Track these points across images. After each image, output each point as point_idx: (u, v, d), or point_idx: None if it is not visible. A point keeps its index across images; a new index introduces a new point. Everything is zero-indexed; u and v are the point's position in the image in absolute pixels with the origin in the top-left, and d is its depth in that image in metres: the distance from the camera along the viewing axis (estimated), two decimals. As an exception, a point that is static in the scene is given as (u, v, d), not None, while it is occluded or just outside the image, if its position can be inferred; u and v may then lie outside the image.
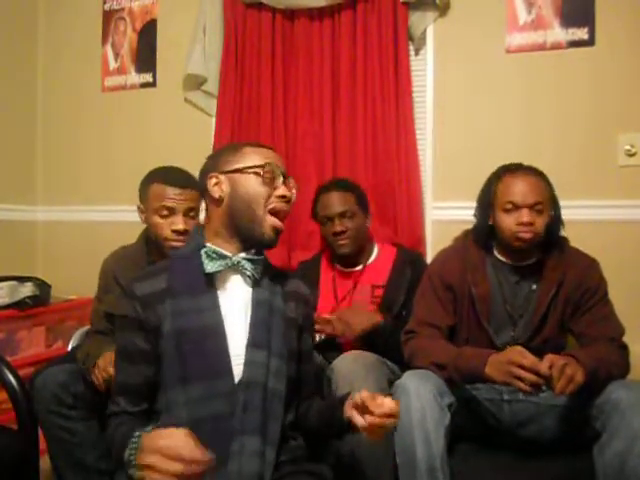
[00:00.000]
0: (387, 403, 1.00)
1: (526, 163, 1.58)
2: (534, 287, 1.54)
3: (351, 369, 1.45)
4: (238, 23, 2.41)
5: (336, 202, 1.87)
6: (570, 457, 1.38)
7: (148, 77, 2.64)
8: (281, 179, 1.18)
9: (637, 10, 1.99)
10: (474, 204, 1.65)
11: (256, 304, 1.15)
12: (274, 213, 1.16)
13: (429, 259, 1.98)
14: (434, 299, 1.59)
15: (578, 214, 1.88)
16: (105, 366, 1.43)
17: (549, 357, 1.26)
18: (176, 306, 1.11)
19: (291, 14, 2.34)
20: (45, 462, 1.55)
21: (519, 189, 1.49)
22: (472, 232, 1.65)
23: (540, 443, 1.44)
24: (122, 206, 2.50)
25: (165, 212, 1.57)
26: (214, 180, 1.18)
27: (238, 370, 1.10)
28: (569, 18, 2.06)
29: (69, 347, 1.89)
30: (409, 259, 1.90)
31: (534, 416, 1.45)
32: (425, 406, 1.30)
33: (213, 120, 2.48)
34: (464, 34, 2.19)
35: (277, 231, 1.16)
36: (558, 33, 2.08)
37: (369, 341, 1.69)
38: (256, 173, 1.15)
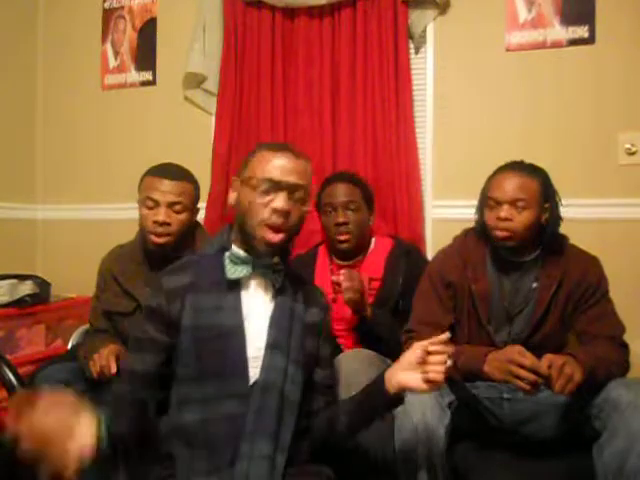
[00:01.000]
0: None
1: (526, 162, 1.58)
2: (534, 284, 1.54)
3: (351, 366, 1.45)
4: (238, 21, 2.41)
5: (342, 192, 1.86)
6: (570, 456, 1.38)
7: (148, 75, 2.64)
8: (279, 192, 1.13)
9: (637, 8, 1.99)
10: (474, 203, 1.65)
11: (278, 309, 1.16)
12: (267, 226, 1.13)
13: (429, 258, 1.98)
14: (434, 298, 1.60)
15: (578, 213, 1.88)
16: (107, 355, 1.43)
17: (548, 357, 1.26)
18: (196, 302, 1.13)
19: (291, 12, 2.34)
20: (45, 461, 1.55)
21: (502, 185, 1.50)
22: (474, 231, 1.65)
23: (540, 442, 1.44)
24: (122, 204, 2.50)
25: (150, 203, 1.57)
26: (233, 184, 1.21)
27: (254, 372, 1.10)
28: (569, 16, 2.06)
29: (69, 345, 1.90)
30: (404, 250, 1.90)
31: (534, 415, 1.45)
32: (425, 405, 1.30)
33: (213, 118, 2.48)
34: (464, 32, 2.19)
35: (270, 245, 1.13)
36: (558, 31, 2.08)
37: (362, 335, 1.71)
38: (253, 186, 1.14)
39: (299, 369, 1.14)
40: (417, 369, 1.06)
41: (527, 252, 1.56)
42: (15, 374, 1.52)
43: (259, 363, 1.11)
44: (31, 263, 2.75)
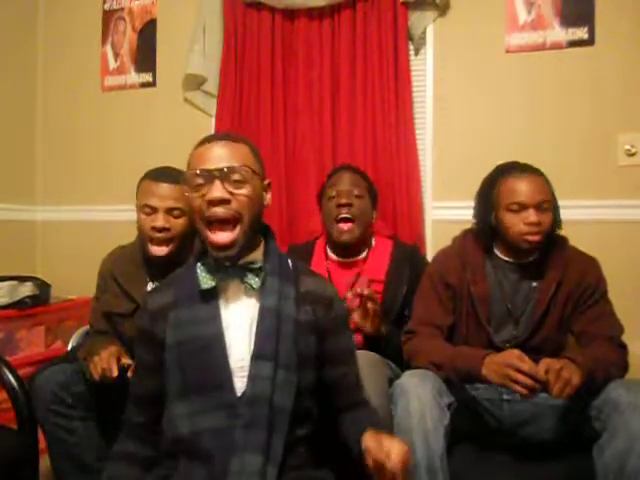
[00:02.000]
0: (394, 454, 0.93)
1: (526, 163, 1.57)
2: (534, 285, 1.54)
3: None
4: (238, 23, 2.41)
5: (348, 179, 1.84)
6: (570, 457, 1.38)
7: (148, 77, 2.64)
8: (211, 183, 1.05)
9: (637, 10, 1.99)
10: (474, 206, 1.65)
11: (262, 313, 1.09)
12: (210, 223, 1.06)
13: (429, 259, 1.97)
14: (434, 299, 1.59)
15: (578, 214, 1.88)
16: (107, 357, 1.42)
17: (545, 361, 1.25)
18: (177, 318, 1.10)
19: (291, 14, 2.34)
20: (45, 462, 1.55)
21: (525, 189, 1.48)
22: (472, 232, 1.65)
23: (540, 443, 1.44)
24: (121, 206, 2.49)
25: (148, 210, 1.55)
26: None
27: (242, 382, 1.06)
28: (569, 18, 2.06)
29: (69, 347, 1.89)
30: (407, 254, 1.87)
31: (534, 416, 1.45)
32: (425, 406, 1.30)
33: (213, 120, 2.48)
34: (464, 34, 2.19)
35: (220, 247, 1.06)
36: (558, 33, 2.08)
37: (370, 344, 1.69)
38: (189, 185, 1.08)
39: (291, 373, 1.07)
40: None
41: (528, 254, 1.55)
42: (15, 375, 1.52)
43: (246, 373, 1.06)
44: (31, 264, 2.75)
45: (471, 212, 1.65)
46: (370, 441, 0.99)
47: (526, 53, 2.13)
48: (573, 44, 2.07)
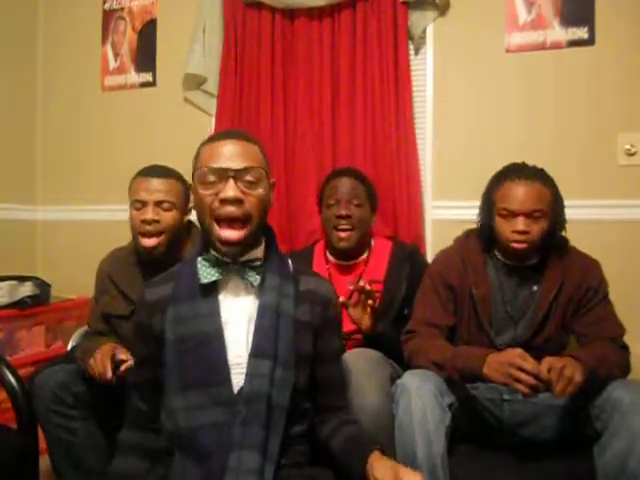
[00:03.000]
0: None
1: (537, 167, 1.55)
2: (535, 288, 1.54)
3: (356, 366, 1.43)
4: (238, 23, 2.41)
5: (347, 186, 1.82)
6: (570, 457, 1.38)
7: (148, 77, 2.64)
8: (225, 181, 1.05)
9: (637, 9, 1.99)
10: (474, 203, 1.64)
11: (261, 310, 1.09)
12: (221, 220, 1.07)
13: (429, 259, 1.97)
14: (434, 299, 1.59)
15: (578, 214, 1.87)
16: (101, 359, 1.42)
17: (547, 360, 1.25)
18: (176, 313, 1.10)
19: (291, 13, 2.34)
20: (45, 462, 1.55)
21: (516, 196, 1.47)
22: (475, 233, 1.65)
23: (540, 443, 1.44)
24: (122, 205, 2.46)
25: (138, 205, 1.57)
26: (191, 191, 1.16)
27: (239, 379, 1.06)
28: (569, 17, 2.06)
29: (69, 347, 1.89)
30: (406, 253, 1.86)
31: (534, 416, 1.45)
32: (426, 405, 1.30)
33: (213, 120, 2.48)
34: (464, 33, 2.19)
35: (227, 243, 1.06)
36: (558, 32, 2.08)
37: (371, 342, 1.69)
38: (200, 182, 1.08)
39: (288, 371, 1.08)
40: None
41: (529, 257, 1.55)
42: (15, 375, 1.52)
43: (243, 369, 1.06)
44: (31, 264, 2.75)
45: (471, 212, 1.65)
46: (382, 470, 0.99)
47: (526, 53, 2.13)
48: (573, 44, 2.07)
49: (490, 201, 1.56)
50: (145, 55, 2.64)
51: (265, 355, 1.06)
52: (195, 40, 2.43)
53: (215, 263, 1.11)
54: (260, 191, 1.09)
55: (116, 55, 2.70)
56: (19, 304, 2.23)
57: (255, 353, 1.07)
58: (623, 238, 1.99)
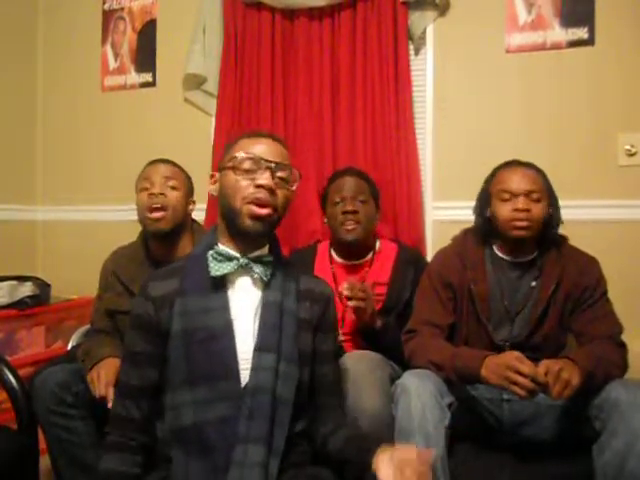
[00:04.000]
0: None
1: (530, 162, 1.58)
2: (533, 284, 1.55)
3: (356, 368, 1.44)
4: (238, 23, 2.41)
5: (352, 184, 1.83)
6: (570, 457, 1.38)
7: (148, 77, 2.64)
8: (262, 170, 1.12)
9: (637, 10, 1.99)
10: (474, 204, 1.65)
11: (265, 306, 1.13)
12: (252, 203, 1.11)
13: (429, 259, 1.97)
14: (434, 298, 1.59)
15: (578, 214, 1.88)
16: (105, 384, 1.42)
17: (545, 363, 1.26)
18: (184, 306, 1.11)
19: (291, 14, 2.34)
20: (45, 462, 1.55)
21: (514, 177, 1.52)
22: (472, 231, 1.65)
23: (540, 443, 1.44)
24: (122, 206, 2.49)
25: (146, 184, 1.64)
26: (212, 179, 1.20)
27: (246, 374, 1.08)
28: (569, 18, 2.06)
29: (69, 347, 1.89)
30: (411, 257, 1.87)
31: (534, 416, 1.45)
32: (425, 406, 1.30)
33: (213, 120, 2.48)
34: (464, 34, 2.19)
35: (256, 217, 1.11)
36: (558, 33, 2.08)
37: (370, 341, 1.69)
38: (233, 167, 1.13)
39: (292, 366, 1.11)
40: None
41: (527, 252, 1.56)
42: (15, 375, 1.52)
43: (249, 364, 1.08)
44: (31, 264, 2.75)
45: (471, 212, 1.65)
46: (387, 466, 1.00)
47: (526, 53, 2.13)
48: (573, 44, 2.07)
49: (487, 193, 1.58)
50: (145, 55, 2.64)
51: (269, 349, 1.09)
52: (195, 40, 2.43)
53: (225, 258, 1.13)
54: (290, 190, 1.16)
55: (116, 55, 2.70)
56: (19, 304, 2.23)
57: (260, 347, 1.09)
58: (623, 238, 1.99)
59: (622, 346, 1.46)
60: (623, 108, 2.02)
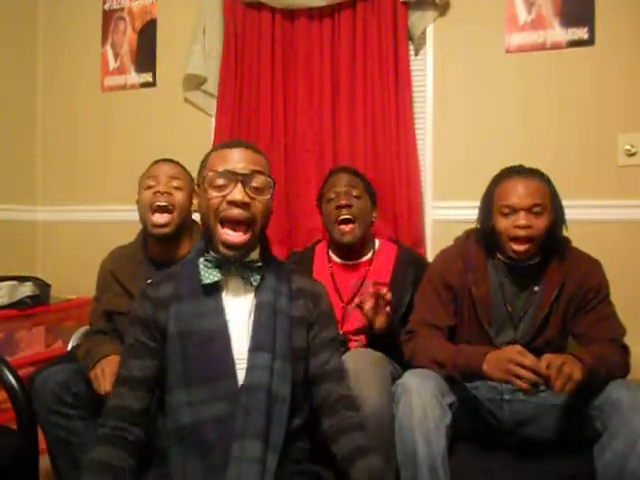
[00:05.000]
0: None
1: (526, 163, 1.57)
2: (536, 288, 1.54)
3: (358, 366, 1.42)
4: (238, 23, 2.41)
5: (345, 180, 1.84)
6: (570, 457, 1.38)
7: (148, 77, 2.64)
8: (234, 184, 1.11)
9: (637, 9, 1.99)
10: (474, 204, 1.64)
11: (258, 307, 1.14)
12: (225, 221, 1.11)
13: (429, 259, 1.97)
14: (435, 299, 1.59)
15: (578, 214, 1.87)
16: (110, 380, 1.41)
17: (547, 356, 1.26)
18: (179, 310, 1.13)
19: (291, 14, 2.34)
20: (45, 462, 1.55)
21: (516, 192, 1.48)
22: (475, 233, 1.65)
23: (540, 443, 1.44)
24: (122, 206, 2.49)
25: (151, 182, 1.64)
26: (195, 196, 1.22)
27: (242, 374, 1.09)
28: (569, 18, 2.07)
29: (69, 347, 1.89)
30: (411, 258, 1.86)
31: (534, 416, 1.45)
32: (426, 405, 1.30)
33: (213, 120, 2.48)
34: (464, 34, 2.19)
35: (229, 246, 1.11)
36: (558, 33, 2.08)
37: (376, 343, 1.68)
38: (209, 183, 1.13)
39: (287, 364, 1.12)
40: None
41: (530, 257, 1.54)
42: (15, 375, 1.52)
43: (245, 365, 1.10)
44: (31, 265, 2.75)
45: (471, 212, 1.65)
46: None
47: (526, 53, 2.13)
48: (573, 44, 2.07)
49: (490, 202, 1.56)
50: (145, 55, 2.64)
51: (264, 348, 1.11)
52: (195, 40, 2.43)
53: (216, 264, 1.14)
54: (266, 197, 1.15)
55: (116, 55, 2.70)
56: (19, 304, 2.23)
57: (254, 347, 1.11)
58: (623, 238, 1.99)
59: (624, 348, 1.45)
60: (623, 108, 2.02)
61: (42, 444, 1.52)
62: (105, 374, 1.45)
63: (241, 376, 1.09)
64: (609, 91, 2.03)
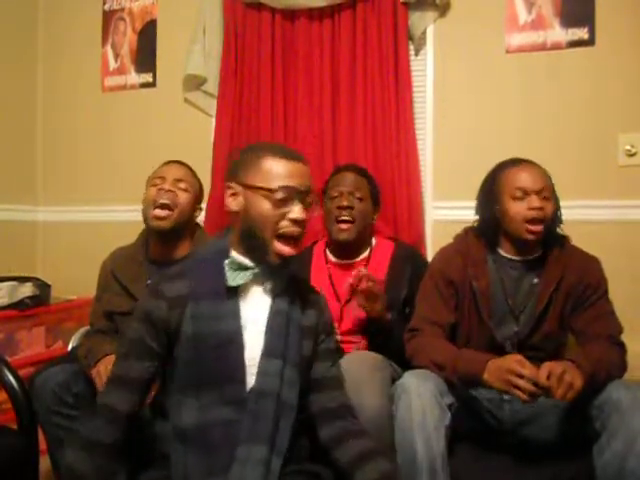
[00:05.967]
0: None
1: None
2: (535, 282, 1.54)
3: (357, 369, 1.43)
4: (238, 23, 2.41)
5: (350, 180, 1.84)
6: (570, 457, 1.38)
7: (148, 77, 2.65)
8: (296, 202, 1.12)
9: (637, 10, 1.99)
10: (474, 204, 1.65)
11: (274, 314, 1.15)
12: (283, 237, 1.12)
13: (429, 259, 1.97)
14: (436, 296, 1.59)
15: (578, 214, 1.88)
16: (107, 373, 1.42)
17: (547, 366, 1.25)
18: (196, 310, 1.11)
19: (291, 14, 2.34)
20: (45, 462, 1.55)
21: (527, 175, 1.51)
22: (475, 228, 1.65)
23: (540, 443, 1.44)
24: (122, 206, 2.50)
25: (157, 181, 1.67)
26: (231, 190, 1.16)
27: (251, 378, 1.09)
28: (569, 18, 2.07)
29: (69, 347, 1.89)
30: (408, 255, 1.86)
31: (534, 416, 1.45)
32: (426, 406, 1.30)
33: (213, 120, 2.48)
34: (464, 34, 2.19)
35: (283, 257, 1.12)
36: (558, 33, 2.08)
37: (374, 339, 1.68)
38: (267, 195, 1.11)
39: (296, 372, 1.14)
40: None
41: (530, 251, 1.56)
42: (15, 376, 1.52)
43: (256, 369, 1.10)
44: (31, 265, 2.75)
45: (471, 212, 1.65)
46: None
47: (526, 53, 2.13)
48: (573, 44, 2.07)
49: (491, 194, 1.57)
50: (145, 56, 2.64)
51: (276, 355, 1.11)
52: (195, 41, 2.43)
53: (240, 267, 1.14)
54: (311, 212, 1.17)
55: (116, 56, 2.70)
56: (19, 305, 2.23)
57: (267, 353, 1.11)
58: (623, 238, 1.99)
59: (621, 346, 1.46)
60: (623, 108, 2.02)
61: (42, 444, 1.52)
62: (107, 372, 1.44)
63: (250, 381, 1.09)
64: (609, 91, 2.03)
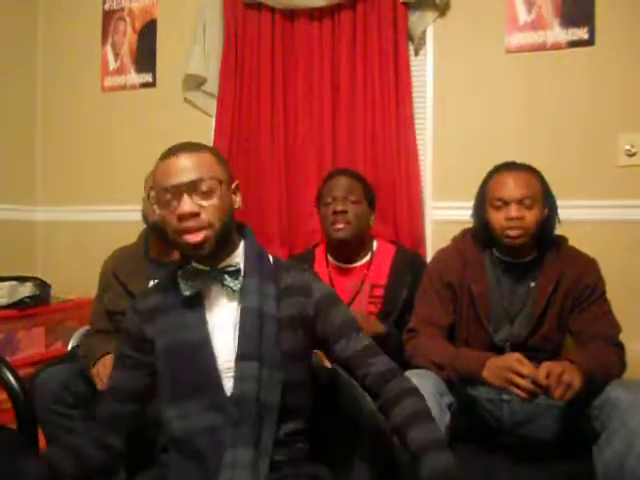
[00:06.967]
0: None
1: (526, 163, 1.58)
2: (533, 284, 1.55)
3: None
4: (238, 23, 2.41)
5: (343, 184, 1.84)
6: (570, 457, 1.38)
7: (148, 77, 2.65)
8: (179, 197, 1.05)
9: (637, 10, 1.99)
10: (472, 207, 1.65)
11: (243, 314, 1.09)
12: (185, 231, 1.06)
13: (429, 259, 1.97)
14: (435, 298, 1.60)
15: (578, 214, 1.88)
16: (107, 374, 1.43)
17: (546, 365, 1.26)
18: (164, 322, 1.12)
19: (291, 14, 2.34)
20: (45, 462, 1.55)
21: (506, 185, 1.51)
22: (471, 231, 1.66)
23: (540, 443, 1.44)
24: (122, 206, 2.50)
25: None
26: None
27: (231, 383, 1.07)
28: (569, 18, 2.06)
29: (69, 347, 1.90)
30: (409, 260, 1.87)
31: (533, 416, 1.46)
32: (425, 406, 1.30)
33: (213, 120, 2.48)
34: (464, 34, 2.19)
35: (193, 246, 1.06)
36: (558, 33, 2.08)
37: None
38: (158, 201, 1.09)
39: (276, 371, 1.09)
40: None
41: (526, 253, 1.56)
42: (15, 376, 1.52)
43: (233, 373, 1.08)
44: (31, 265, 2.75)
45: (470, 212, 1.66)
46: None
47: (526, 53, 2.13)
48: (573, 44, 2.07)
49: (482, 197, 1.58)
50: (145, 56, 2.64)
51: (250, 357, 1.07)
52: (195, 41, 2.43)
53: (194, 274, 1.11)
54: (216, 200, 1.08)
55: (116, 56, 2.70)
56: (19, 304, 2.24)
57: (241, 357, 1.08)
58: (623, 238, 1.99)
59: (620, 346, 1.46)
60: (623, 108, 2.02)
61: (42, 444, 1.52)
62: (107, 372, 1.45)
63: (229, 385, 1.07)
64: (609, 91, 2.03)
